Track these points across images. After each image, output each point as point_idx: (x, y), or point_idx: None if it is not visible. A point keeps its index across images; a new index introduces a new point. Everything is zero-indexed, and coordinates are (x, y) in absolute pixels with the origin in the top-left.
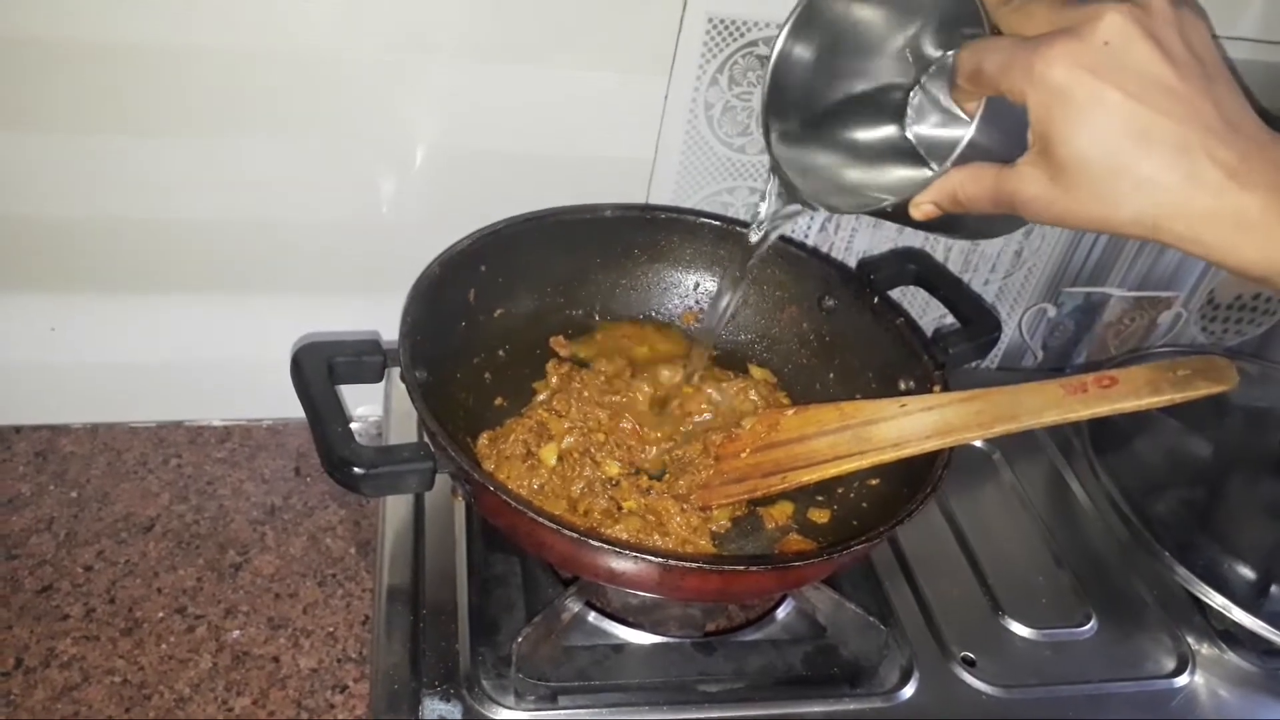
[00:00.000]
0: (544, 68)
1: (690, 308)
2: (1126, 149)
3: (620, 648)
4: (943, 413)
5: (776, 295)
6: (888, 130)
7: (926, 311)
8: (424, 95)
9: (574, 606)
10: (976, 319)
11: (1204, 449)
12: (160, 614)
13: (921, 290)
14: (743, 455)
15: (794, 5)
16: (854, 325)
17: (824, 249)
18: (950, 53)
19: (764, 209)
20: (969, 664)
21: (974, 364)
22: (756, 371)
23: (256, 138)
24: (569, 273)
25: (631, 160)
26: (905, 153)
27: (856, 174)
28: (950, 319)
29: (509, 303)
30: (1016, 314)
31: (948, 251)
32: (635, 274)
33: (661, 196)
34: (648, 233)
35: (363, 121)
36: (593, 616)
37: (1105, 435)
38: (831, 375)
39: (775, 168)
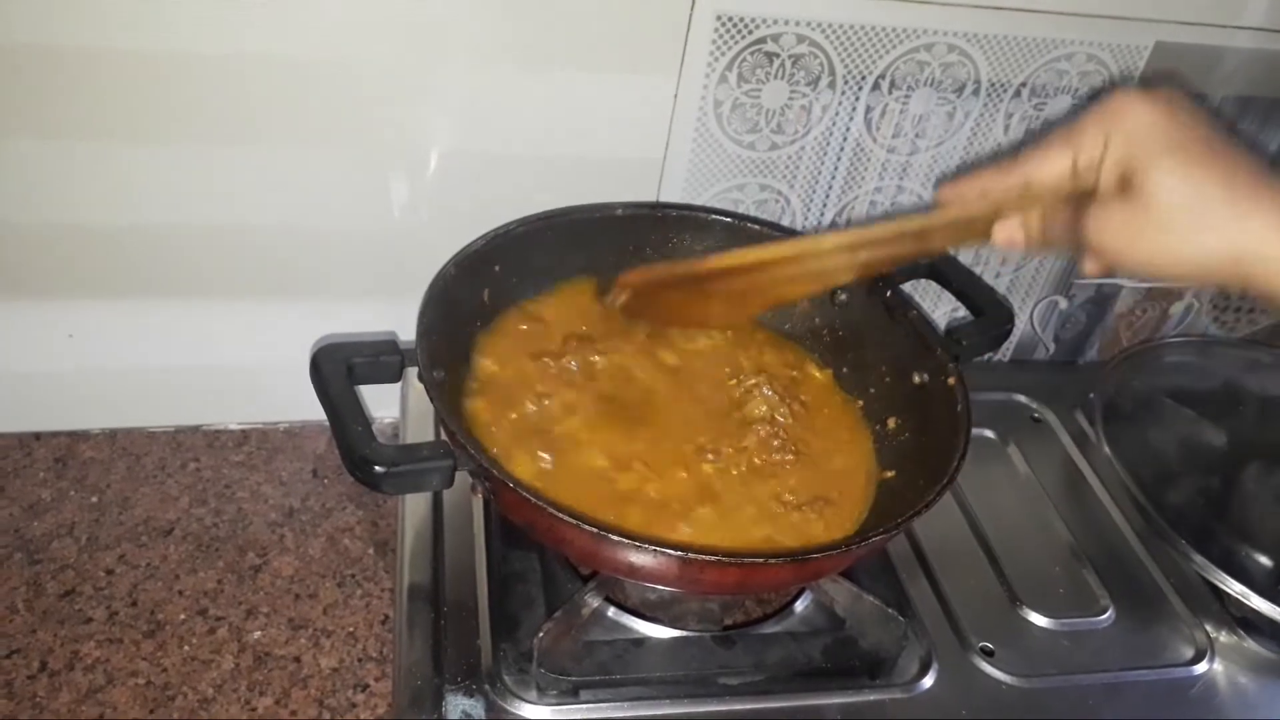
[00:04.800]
0: (554, 70)
1: None
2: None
3: (640, 642)
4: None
5: None
6: None
7: (939, 305)
8: (437, 100)
9: (593, 601)
10: (989, 311)
11: (1218, 438)
12: (182, 616)
13: (934, 283)
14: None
15: None
16: (867, 319)
17: None
18: None
19: None
20: (988, 654)
21: (987, 356)
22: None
23: (272, 144)
24: (581, 271)
25: (642, 159)
26: None
27: None
28: (963, 312)
29: (523, 301)
30: (1028, 306)
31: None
32: None
33: (672, 194)
34: (659, 230)
35: (377, 127)
36: (612, 611)
37: (1119, 425)
38: (845, 369)
39: None
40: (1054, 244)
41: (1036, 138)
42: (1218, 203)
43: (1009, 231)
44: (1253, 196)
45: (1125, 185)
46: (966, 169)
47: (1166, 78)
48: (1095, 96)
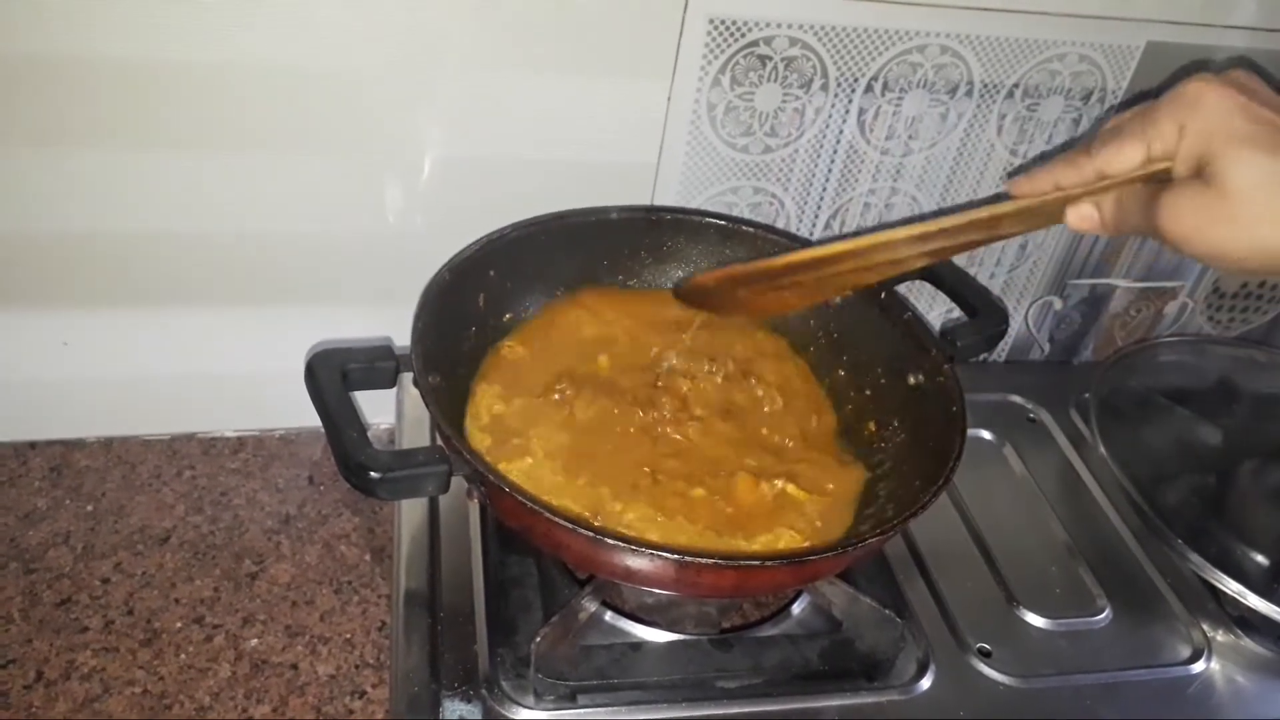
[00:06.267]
0: (548, 75)
1: None
2: None
3: (638, 646)
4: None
5: None
6: None
7: (934, 306)
8: (431, 106)
9: (590, 606)
10: (984, 312)
11: (1214, 437)
12: (178, 624)
13: (929, 284)
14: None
15: None
16: (862, 320)
17: None
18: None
19: None
20: (985, 655)
21: (982, 357)
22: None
23: (266, 151)
24: (576, 276)
25: (636, 163)
26: None
27: None
28: (958, 313)
29: (518, 307)
30: (1023, 307)
31: None
32: (642, 275)
33: (666, 198)
34: (653, 234)
35: (371, 133)
36: (609, 616)
37: (1115, 425)
38: (841, 371)
39: None
40: (1127, 227)
41: (1104, 127)
42: None
43: (1082, 214)
44: None
45: (1200, 172)
46: (1037, 161)
47: (1238, 61)
48: (1087, 97)
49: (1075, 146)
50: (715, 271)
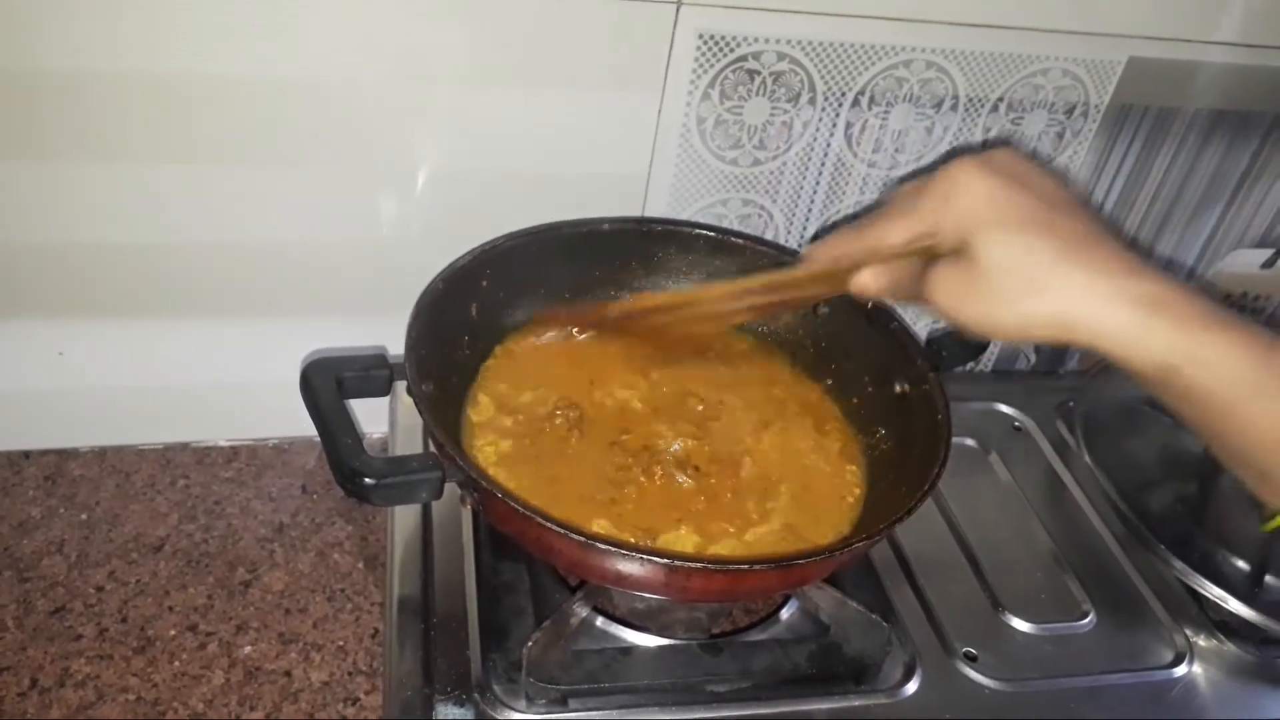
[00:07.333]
0: (541, 89)
1: None
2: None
3: (628, 650)
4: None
5: None
6: None
7: (920, 315)
8: (424, 119)
9: (581, 611)
10: None
11: (1196, 444)
12: (172, 632)
13: None
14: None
15: None
16: (849, 330)
17: None
18: None
19: None
20: (971, 659)
21: (968, 366)
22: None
23: (261, 163)
24: (568, 286)
25: (627, 175)
26: None
27: None
28: (943, 322)
29: (511, 316)
30: None
31: None
32: (633, 285)
33: (657, 209)
34: (644, 244)
35: (366, 146)
36: (600, 621)
37: (1099, 433)
38: (829, 380)
39: None
40: (902, 295)
41: (886, 200)
42: (1044, 268)
43: (861, 281)
44: (1078, 260)
45: (961, 250)
46: (830, 229)
47: (1003, 141)
48: (1070, 111)
49: (870, 213)
50: (570, 312)
